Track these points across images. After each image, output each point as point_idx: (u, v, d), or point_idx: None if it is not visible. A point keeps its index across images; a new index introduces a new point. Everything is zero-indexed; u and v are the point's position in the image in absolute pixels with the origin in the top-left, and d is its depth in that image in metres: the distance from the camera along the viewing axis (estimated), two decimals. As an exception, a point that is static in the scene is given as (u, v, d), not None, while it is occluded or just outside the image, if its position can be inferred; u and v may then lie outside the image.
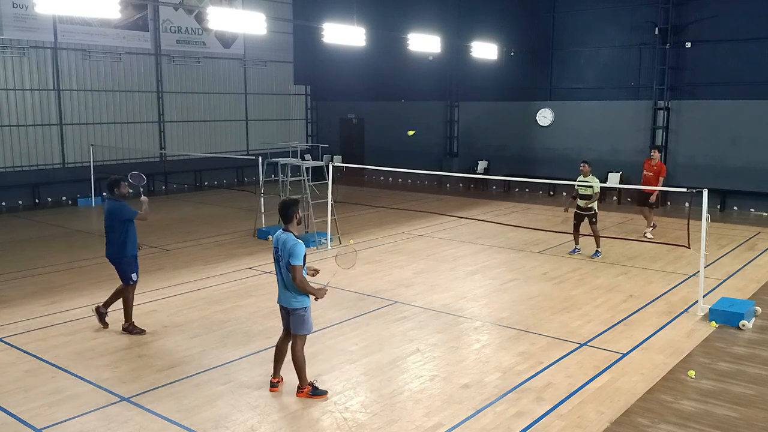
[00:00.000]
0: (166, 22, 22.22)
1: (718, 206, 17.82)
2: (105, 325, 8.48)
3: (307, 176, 13.72)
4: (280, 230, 6.40)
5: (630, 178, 18.81)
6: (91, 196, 19.00)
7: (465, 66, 22.74)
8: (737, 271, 11.47)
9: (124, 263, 8.25)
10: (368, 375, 7.07)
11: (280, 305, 6.55)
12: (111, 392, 6.62)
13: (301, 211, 7.24)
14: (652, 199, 13.86)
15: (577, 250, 12.67)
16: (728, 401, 6.45)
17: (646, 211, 14.27)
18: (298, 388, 6.52)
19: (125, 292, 8.34)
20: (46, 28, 19.21)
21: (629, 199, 18.83)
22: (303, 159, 17.97)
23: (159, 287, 10.37)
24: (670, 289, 10.32)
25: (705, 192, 9.10)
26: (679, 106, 18.94)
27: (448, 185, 23.45)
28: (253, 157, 15.55)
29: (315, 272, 6.54)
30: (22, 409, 6.25)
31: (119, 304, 8.41)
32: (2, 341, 8.08)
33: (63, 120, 19.97)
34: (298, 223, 6.44)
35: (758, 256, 12.61)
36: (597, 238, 12.36)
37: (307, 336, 6.55)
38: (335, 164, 14.79)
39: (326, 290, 6.47)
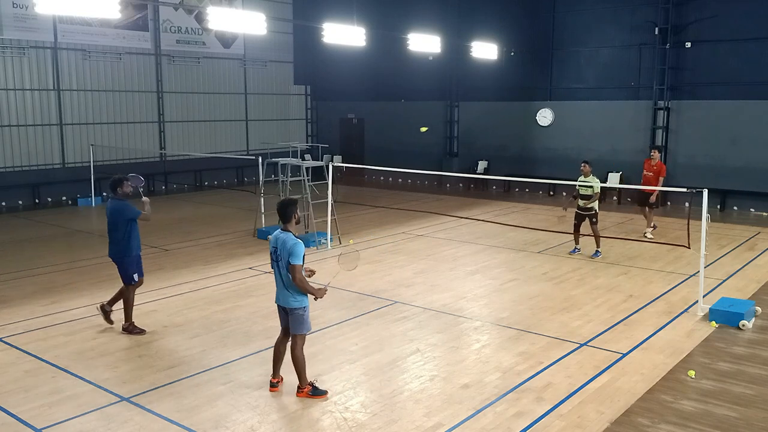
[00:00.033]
0: (166, 22, 22.22)
1: (718, 206, 17.82)
2: (110, 322, 8.49)
3: (307, 176, 13.72)
4: (279, 230, 6.40)
5: (630, 178, 18.81)
6: (91, 196, 19.00)
7: (465, 66, 22.74)
8: (737, 271, 11.47)
9: (127, 263, 8.26)
10: (368, 375, 7.07)
11: (278, 305, 6.55)
12: (111, 392, 6.62)
13: (300, 210, 7.23)
14: (652, 199, 13.86)
15: (577, 250, 12.67)
16: (728, 401, 6.45)
17: (647, 211, 14.29)
18: (298, 388, 6.52)
19: (126, 292, 8.35)
20: (46, 28, 19.21)
21: (629, 199, 18.84)
22: (303, 159, 17.97)
23: (159, 287, 10.37)
24: (670, 289, 10.32)
25: (705, 192, 9.10)
26: (679, 106, 18.94)
27: (448, 185, 23.45)
28: (253, 157, 15.55)
29: (311, 273, 6.53)
30: (22, 409, 6.25)
31: (121, 303, 8.41)
32: (2, 341, 8.08)
33: (63, 120, 19.97)
34: (297, 223, 6.44)
35: (758, 256, 12.61)
36: (597, 238, 12.37)
37: (307, 336, 6.55)
38: (335, 164, 14.80)
39: (326, 290, 6.47)
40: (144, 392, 6.61)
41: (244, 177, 24.40)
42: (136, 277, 8.32)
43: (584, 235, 12.60)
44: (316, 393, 6.48)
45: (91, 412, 6.21)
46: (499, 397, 6.50)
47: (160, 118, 22.47)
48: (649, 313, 9.15)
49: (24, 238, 14.45)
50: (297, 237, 6.30)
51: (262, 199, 14.29)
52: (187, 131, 23.34)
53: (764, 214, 17.39)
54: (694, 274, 10.59)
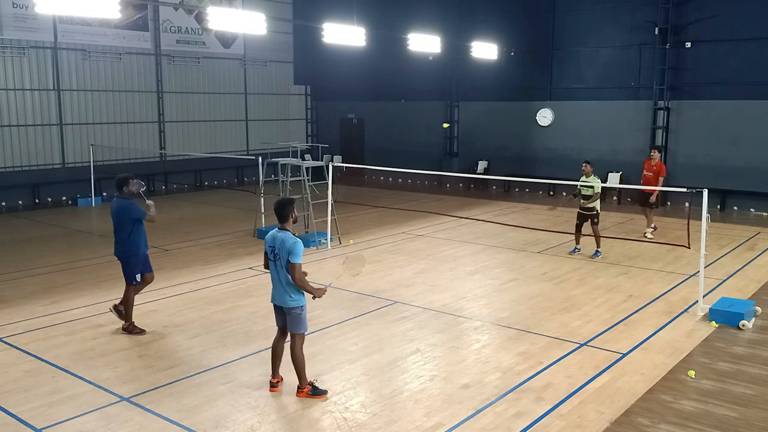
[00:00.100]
0: (166, 22, 22.22)
1: (718, 206, 17.82)
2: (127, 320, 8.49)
3: (307, 176, 13.71)
4: (276, 229, 6.38)
5: (630, 178, 18.81)
6: (91, 196, 18.99)
7: (465, 66, 22.74)
8: (737, 271, 11.47)
9: (133, 262, 8.26)
10: (368, 375, 7.07)
11: (274, 305, 6.54)
12: (111, 392, 6.62)
13: (298, 210, 7.22)
14: (652, 199, 13.87)
15: (577, 250, 12.67)
16: (728, 401, 6.45)
17: (647, 211, 14.29)
18: (298, 388, 6.52)
19: (128, 292, 8.35)
20: (46, 28, 19.21)
21: (629, 199, 18.84)
22: (303, 159, 17.97)
23: (159, 287, 10.35)
24: (670, 289, 10.32)
25: (705, 192, 9.10)
26: (679, 106, 18.94)
27: (448, 185, 23.45)
28: (253, 157, 15.55)
29: (303, 274, 6.50)
30: (22, 409, 6.25)
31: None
32: (2, 341, 8.08)
33: (63, 120, 19.97)
34: (294, 222, 6.43)
35: (758, 256, 12.61)
36: (597, 238, 12.37)
37: (307, 336, 6.55)
38: (335, 164, 14.79)
39: (325, 290, 6.46)
40: (144, 392, 6.61)
41: (244, 177, 24.40)
42: (138, 278, 8.33)
43: (584, 235, 12.61)
44: (316, 393, 6.47)
45: (91, 412, 6.21)
46: (499, 397, 6.50)
47: (160, 118, 22.47)
48: (649, 313, 9.15)
49: (24, 238, 14.45)
50: (296, 236, 6.29)
51: (262, 199, 14.29)
52: (187, 131, 23.34)
53: (764, 214, 17.39)
54: (694, 274, 10.59)
